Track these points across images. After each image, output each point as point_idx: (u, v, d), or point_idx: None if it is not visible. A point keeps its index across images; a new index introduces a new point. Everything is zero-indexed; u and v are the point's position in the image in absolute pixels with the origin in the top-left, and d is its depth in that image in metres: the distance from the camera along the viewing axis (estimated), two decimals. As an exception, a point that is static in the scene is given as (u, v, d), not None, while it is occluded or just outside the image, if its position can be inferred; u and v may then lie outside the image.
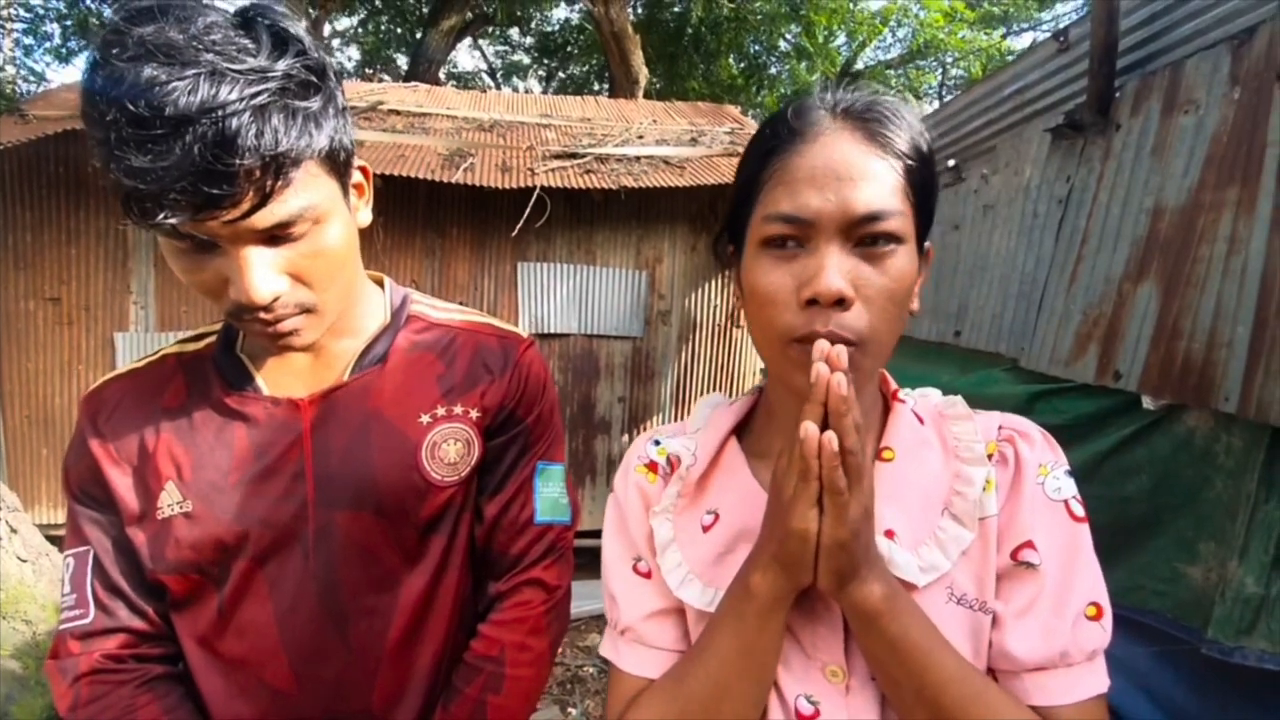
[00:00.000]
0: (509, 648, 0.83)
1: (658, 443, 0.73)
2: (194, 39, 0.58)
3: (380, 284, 0.89)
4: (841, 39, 10.91)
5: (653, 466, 0.71)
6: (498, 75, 14.81)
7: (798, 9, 9.42)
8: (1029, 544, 0.59)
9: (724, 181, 3.98)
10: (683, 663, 0.63)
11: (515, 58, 14.68)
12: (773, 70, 10.95)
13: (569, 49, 12.53)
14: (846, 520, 0.51)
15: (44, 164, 3.68)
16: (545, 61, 13.57)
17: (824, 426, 0.51)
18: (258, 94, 0.59)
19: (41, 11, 8.74)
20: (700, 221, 4.46)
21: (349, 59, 13.63)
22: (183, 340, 0.85)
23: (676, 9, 9.85)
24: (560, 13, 12.34)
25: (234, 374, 0.79)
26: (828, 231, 0.56)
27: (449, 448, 0.81)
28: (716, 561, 0.65)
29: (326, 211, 0.69)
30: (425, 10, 10.67)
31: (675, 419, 4.50)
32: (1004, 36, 11.49)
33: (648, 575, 0.68)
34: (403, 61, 12.67)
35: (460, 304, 0.96)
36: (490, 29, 12.29)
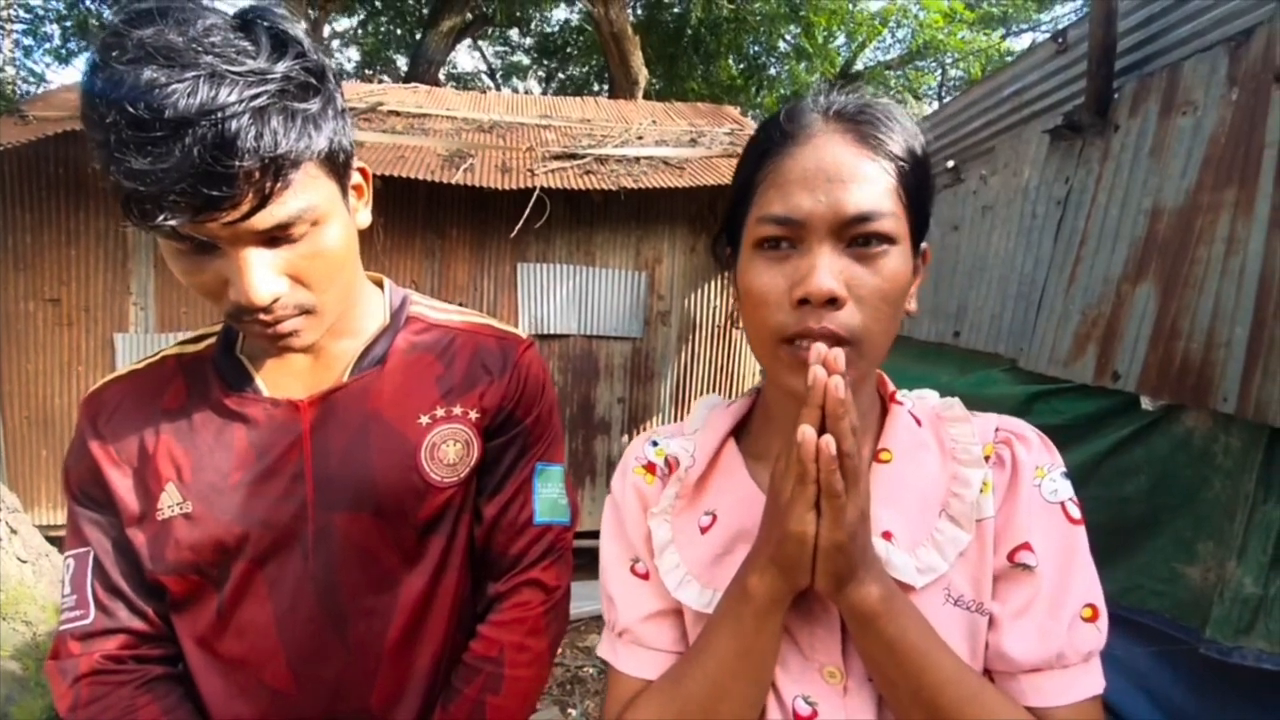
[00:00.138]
0: (508, 648, 0.83)
1: (656, 444, 0.73)
2: (193, 41, 0.58)
3: (380, 285, 0.89)
4: (841, 40, 10.91)
5: (651, 468, 0.71)
6: (497, 76, 14.80)
7: (797, 10, 9.41)
8: (1025, 546, 0.59)
9: (723, 182, 3.97)
10: (681, 664, 0.64)
11: (515, 58, 14.68)
12: (772, 71, 10.95)
13: (569, 50, 12.52)
14: (844, 523, 0.51)
15: (44, 165, 3.68)
16: (545, 62, 13.56)
17: (821, 429, 0.51)
18: (257, 96, 0.59)
19: (41, 13, 8.75)
20: (700, 222, 4.46)
21: (349, 60, 13.65)
22: (182, 342, 0.85)
23: (676, 10, 9.84)
24: (560, 14, 12.35)
25: (234, 375, 0.79)
26: (819, 232, 0.56)
27: (448, 448, 0.82)
28: (714, 563, 0.65)
29: (326, 213, 0.69)
30: (425, 11, 10.66)
31: (675, 420, 4.50)
32: (1003, 37, 11.50)
33: (646, 576, 0.68)
34: (402, 62, 12.67)
35: (460, 305, 0.96)
36: (490, 30, 12.29)
